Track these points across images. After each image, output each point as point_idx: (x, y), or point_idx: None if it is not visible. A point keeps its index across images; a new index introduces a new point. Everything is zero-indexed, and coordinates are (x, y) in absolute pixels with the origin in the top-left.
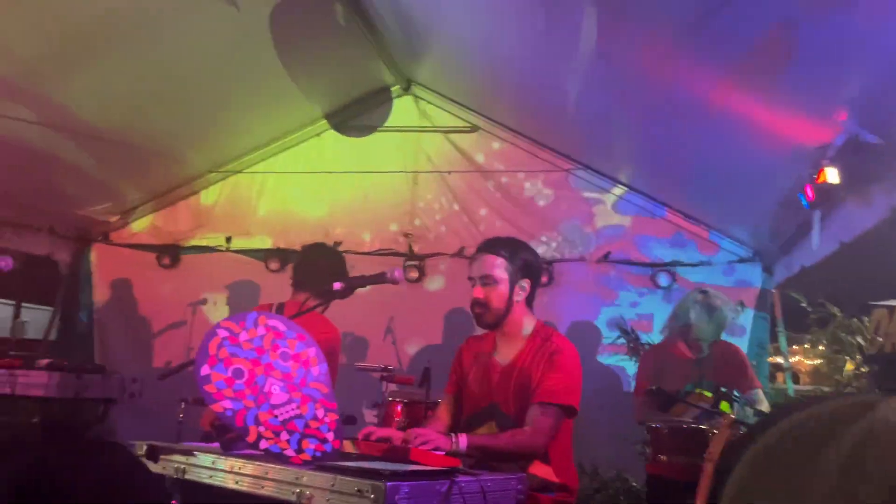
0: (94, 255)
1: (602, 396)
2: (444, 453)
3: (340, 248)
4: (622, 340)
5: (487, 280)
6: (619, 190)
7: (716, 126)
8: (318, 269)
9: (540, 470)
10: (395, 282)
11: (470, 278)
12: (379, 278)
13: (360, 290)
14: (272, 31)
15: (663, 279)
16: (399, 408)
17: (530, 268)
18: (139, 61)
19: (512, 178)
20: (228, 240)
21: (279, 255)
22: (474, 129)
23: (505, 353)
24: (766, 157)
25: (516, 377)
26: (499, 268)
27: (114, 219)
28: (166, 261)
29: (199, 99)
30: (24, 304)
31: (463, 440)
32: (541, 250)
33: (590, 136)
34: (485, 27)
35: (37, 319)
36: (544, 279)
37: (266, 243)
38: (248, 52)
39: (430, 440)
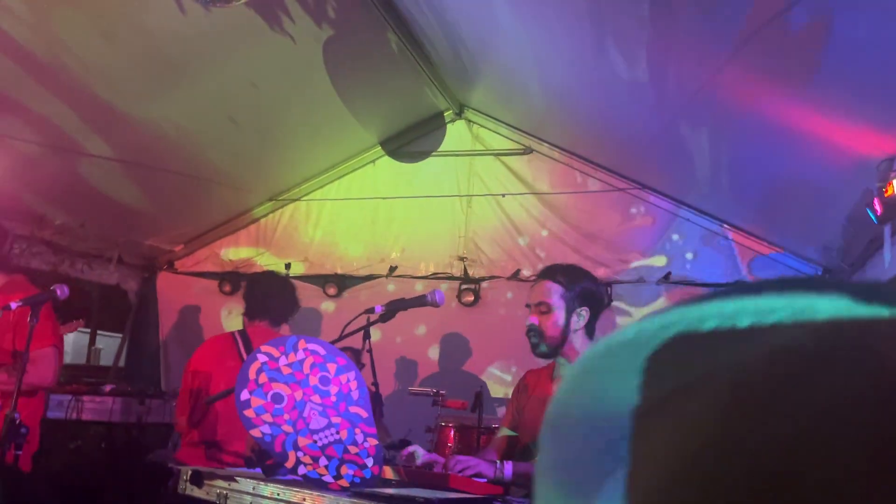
0: (160, 283)
1: None
2: (486, 481)
3: (396, 273)
4: None
5: (542, 307)
6: (681, 210)
7: (778, 141)
8: (268, 297)
9: None
10: (435, 304)
11: (527, 305)
12: (419, 301)
13: (416, 312)
14: (325, 62)
15: None
16: (451, 433)
17: (590, 296)
18: (199, 95)
19: (567, 200)
20: (288, 266)
21: (336, 281)
22: (528, 150)
23: None
24: (831, 171)
25: None
26: (555, 295)
27: (178, 248)
28: (227, 288)
29: (258, 129)
30: (98, 332)
31: (508, 467)
32: (599, 273)
33: (647, 156)
34: (536, 50)
35: (110, 346)
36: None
37: (324, 269)
38: (305, 83)
39: (470, 466)
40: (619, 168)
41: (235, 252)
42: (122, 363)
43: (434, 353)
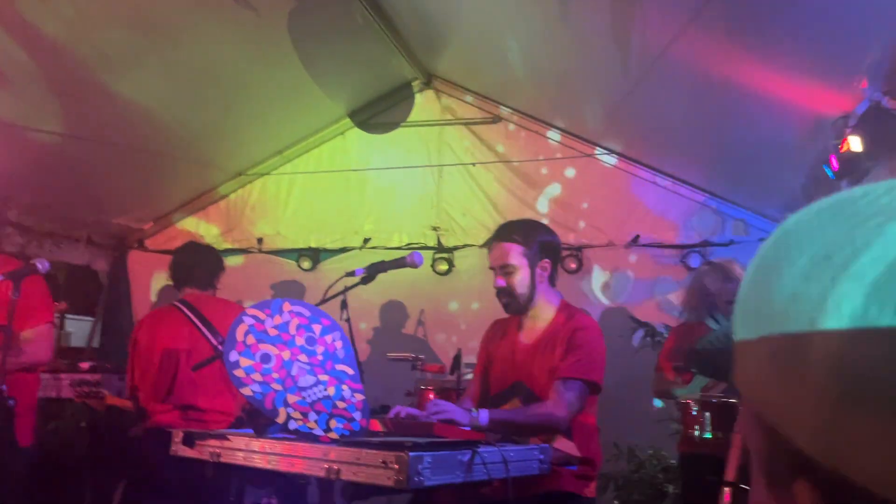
0: (131, 262)
1: (636, 377)
2: (467, 428)
3: (370, 245)
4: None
5: (508, 269)
6: (644, 172)
7: (738, 101)
8: (194, 265)
9: (563, 445)
10: (414, 265)
11: (491, 268)
12: (399, 263)
13: (391, 283)
14: (291, 34)
15: (694, 260)
16: (431, 395)
17: (548, 247)
18: (164, 70)
19: (535, 166)
20: (260, 241)
21: (310, 254)
22: (496, 119)
23: (529, 332)
24: (791, 130)
25: (540, 355)
26: (515, 254)
27: (148, 226)
28: None
29: (223, 104)
30: (67, 315)
31: (484, 415)
32: (569, 237)
33: (611, 119)
34: (501, 15)
35: (81, 329)
36: (573, 265)
37: (297, 243)
38: (270, 56)
39: (446, 411)
40: (585, 132)
41: (206, 228)
42: (95, 344)
43: (411, 320)
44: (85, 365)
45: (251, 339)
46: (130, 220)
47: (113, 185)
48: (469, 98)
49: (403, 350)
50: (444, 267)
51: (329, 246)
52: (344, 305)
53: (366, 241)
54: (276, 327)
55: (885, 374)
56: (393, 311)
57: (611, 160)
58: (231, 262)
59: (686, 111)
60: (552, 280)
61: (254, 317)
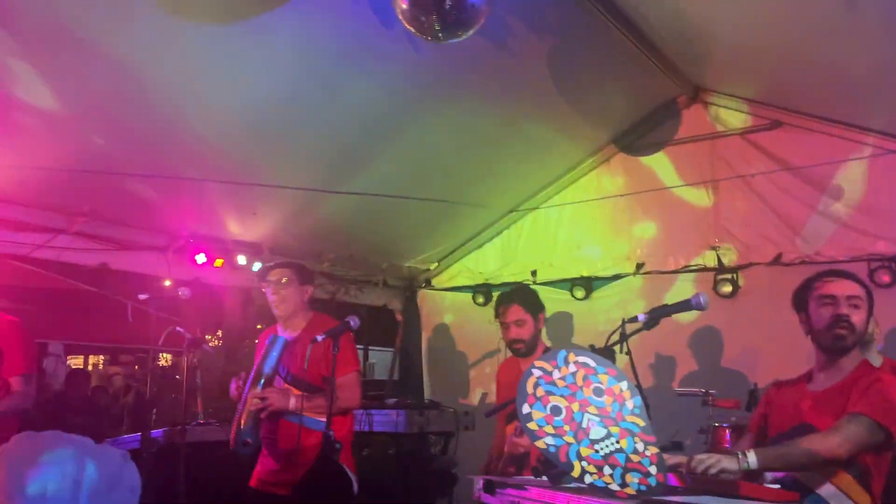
0: (420, 300)
1: None
2: (775, 486)
3: (644, 270)
4: None
5: (854, 300)
6: None
7: None
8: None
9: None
10: (700, 308)
11: (829, 296)
12: (683, 306)
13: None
14: (551, 71)
15: None
16: (727, 433)
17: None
18: (438, 124)
19: (826, 171)
20: (534, 273)
21: (583, 283)
22: (775, 124)
23: (821, 382)
24: None
25: (833, 404)
26: (862, 291)
27: (433, 266)
28: (480, 299)
29: (494, 146)
30: (370, 348)
31: (752, 456)
32: (877, 245)
33: None
34: (773, 14)
35: (381, 360)
36: (885, 278)
37: (569, 272)
38: (534, 95)
39: (712, 464)
40: (887, 128)
41: (484, 264)
42: (395, 376)
43: (692, 348)
44: (391, 401)
45: (540, 392)
46: (418, 263)
47: (404, 232)
48: (743, 106)
49: (688, 382)
50: (727, 289)
51: (601, 273)
52: (627, 351)
53: (639, 266)
54: (563, 378)
55: None
56: (673, 339)
57: None
58: None
59: None
60: None
61: (541, 369)
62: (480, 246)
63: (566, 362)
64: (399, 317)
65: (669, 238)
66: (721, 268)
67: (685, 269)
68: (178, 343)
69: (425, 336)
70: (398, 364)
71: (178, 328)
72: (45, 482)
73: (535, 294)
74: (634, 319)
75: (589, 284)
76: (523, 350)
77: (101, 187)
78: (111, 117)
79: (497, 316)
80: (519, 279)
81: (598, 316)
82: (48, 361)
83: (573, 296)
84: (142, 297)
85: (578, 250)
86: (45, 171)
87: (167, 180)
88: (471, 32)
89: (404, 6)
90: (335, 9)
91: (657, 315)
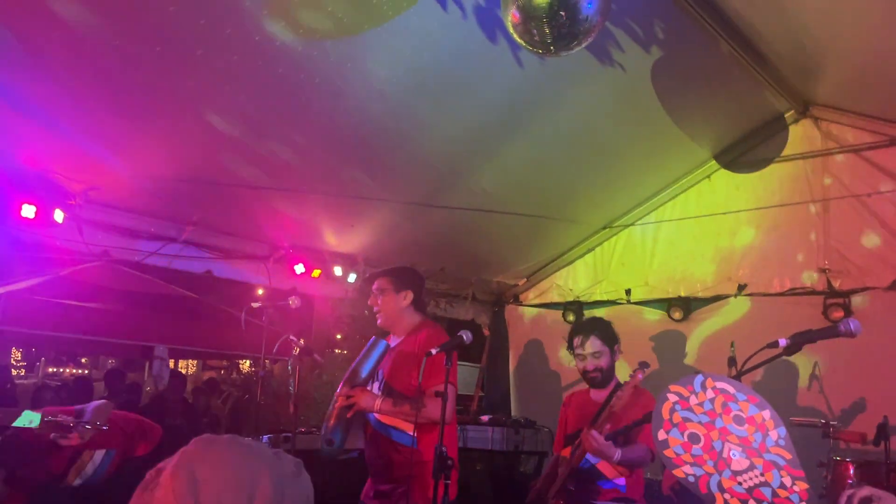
0: (508, 316)
1: None
2: None
3: (746, 292)
4: None
5: None
6: None
7: None
8: None
9: None
10: (850, 335)
11: None
12: (830, 332)
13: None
14: (654, 84)
15: None
16: (851, 469)
17: None
18: (536, 139)
19: None
20: (628, 292)
21: (681, 304)
22: (894, 141)
23: None
24: None
25: None
26: None
27: (522, 282)
28: (571, 317)
29: (590, 163)
30: (459, 363)
31: None
32: None
33: None
34: (892, 28)
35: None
36: None
37: (666, 293)
38: (634, 110)
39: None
40: None
41: (575, 282)
42: (482, 392)
43: (805, 376)
44: (484, 418)
45: (677, 418)
46: (507, 278)
47: (494, 247)
48: (858, 122)
49: (801, 411)
50: (839, 314)
51: (700, 295)
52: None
53: (741, 287)
54: (700, 405)
55: None
56: (782, 365)
57: None
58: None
59: None
60: None
61: (677, 394)
62: (571, 262)
63: (703, 388)
64: (486, 332)
65: (774, 259)
66: (831, 291)
67: (791, 292)
68: (286, 352)
69: (514, 353)
70: (485, 380)
71: (291, 336)
72: (220, 490)
73: (611, 326)
74: (775, 344)
75: (688, 305)
76: (599, 379)
77: (209, 197)
78: (216, 130)
79: (570, 346)
80: (612, 297)
81: (697, 338)
82: (154, 364)
83: (670, 317)
84: (255, 304)
85: (676, 270)
86: (159, 181)
87: (271, 191)
88: (584, 45)
89: (516, 19)
90: (442, 25)
91: (800, 341)
